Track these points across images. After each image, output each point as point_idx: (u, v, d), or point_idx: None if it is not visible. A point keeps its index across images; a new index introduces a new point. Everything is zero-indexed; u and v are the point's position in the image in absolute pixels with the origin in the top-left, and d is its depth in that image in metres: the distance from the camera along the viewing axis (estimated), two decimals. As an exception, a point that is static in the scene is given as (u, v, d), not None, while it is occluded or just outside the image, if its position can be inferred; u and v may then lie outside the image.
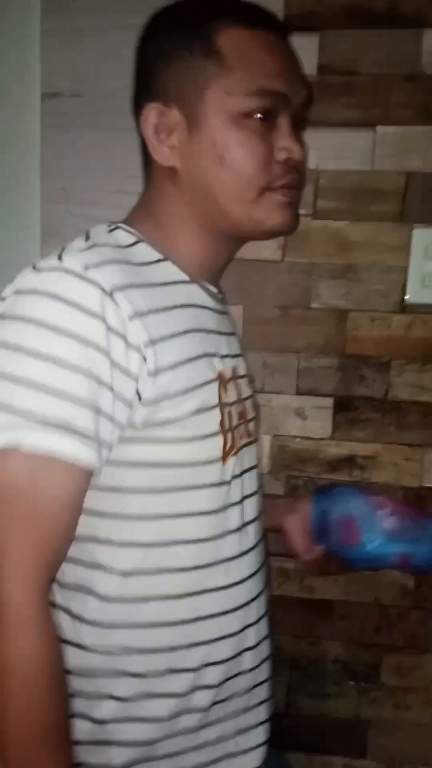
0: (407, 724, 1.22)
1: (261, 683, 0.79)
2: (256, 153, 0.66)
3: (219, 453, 0.68)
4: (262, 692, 0.80)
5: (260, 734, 0.79)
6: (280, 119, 0.67)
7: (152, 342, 0.61)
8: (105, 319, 0.58)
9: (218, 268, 0.77)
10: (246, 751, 0.76)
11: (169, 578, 0.67)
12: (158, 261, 0.69)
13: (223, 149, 0.66)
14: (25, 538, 0.58)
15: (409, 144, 1.08)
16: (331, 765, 1.23)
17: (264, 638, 0.79)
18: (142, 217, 0.73)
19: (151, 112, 0.68)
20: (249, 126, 0.65)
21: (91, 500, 0.63)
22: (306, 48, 1.10)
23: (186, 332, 0.66)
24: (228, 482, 0.70)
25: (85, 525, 0.64)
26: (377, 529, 0.80)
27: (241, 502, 0.72)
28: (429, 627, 1.18)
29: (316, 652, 1.20)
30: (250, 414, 0.78)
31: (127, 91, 1.24)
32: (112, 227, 0.70)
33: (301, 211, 1.14)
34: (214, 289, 0.76)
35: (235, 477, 0.71)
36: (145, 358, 0.61)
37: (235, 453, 0.71)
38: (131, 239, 0.69)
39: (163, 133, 0.68)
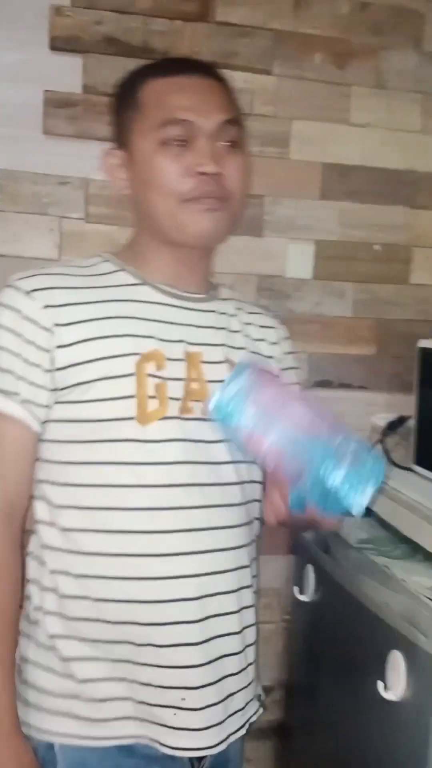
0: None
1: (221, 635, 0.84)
2: (171, 170, 0.82)
3: (132, 413, 0.81)
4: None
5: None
6: (196, 142, 0.82)
7: (61, 325, 0.81)
8: (20, 311, 0.80)
9: (186, 274, 0.90)
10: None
11: (97, 515, 0.81)
12: (113, 272, 0.88)
13: (147, 173, 0.84)
14: None
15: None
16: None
17: (207, 595, 0.83)
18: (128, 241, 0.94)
19: (106, 154, 0.90)
20: (167, 152, 0.82)
21: (41, 450, 0.84)
22: (71, 69, 1.23)
23: (108, 318, 0.83)
24: (155, 441, 0.81)
25: (37, 468, 0.84)
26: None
27: (182, 463, 0.82)
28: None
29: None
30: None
31: None
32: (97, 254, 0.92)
33: (74, 215, 1.27)
34: (175, 290, 0.89)
35: (168, 440, 0.82)
36: (54, 336, 0.80)
37: (163, 418, 0.82)
38: (97, 260, 0.90)
39: (118, 169, 0.88)
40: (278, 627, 1.42)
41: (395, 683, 0.94)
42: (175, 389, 0.84)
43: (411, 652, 0.93)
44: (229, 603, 0.85)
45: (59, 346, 0.81)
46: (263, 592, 1.41)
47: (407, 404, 1.37)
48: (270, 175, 1.30)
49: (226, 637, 0.85)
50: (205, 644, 0.82)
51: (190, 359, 0.86)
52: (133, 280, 0.88)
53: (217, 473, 0.86)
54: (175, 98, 0.83)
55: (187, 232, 0.84)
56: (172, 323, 0.87)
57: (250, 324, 0.97)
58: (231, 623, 0.86)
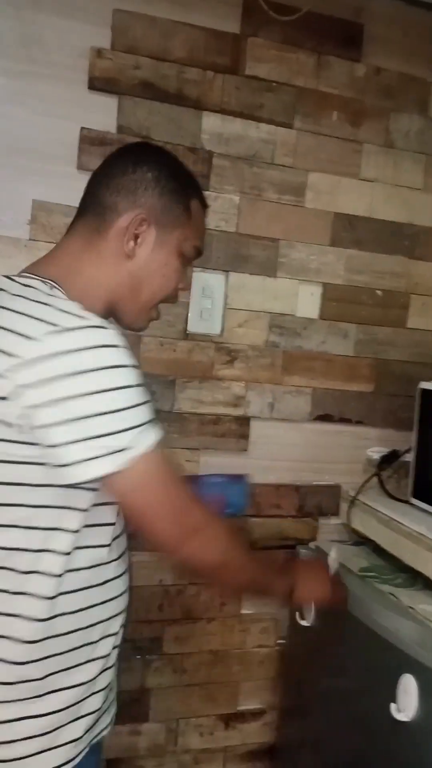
0: (182, 686, 1.44)
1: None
2: (176, 281, 0.96)
3: None
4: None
5: None
6: (188, 267, 0.99)
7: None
8: (127, 347, 0.81)
9: None
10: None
11: (87, 555, 0.89)
12: (109, 322, 0.86)
13: (165, 268, 0.93)
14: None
15: (192, 202, 1.32)
16: (118, 734, 1.40)
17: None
18: (67, 271, 0.89)
19: (136, 217, 0.90)
20: (182, 261, 0.95)
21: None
22: (107, 109, 1.28)
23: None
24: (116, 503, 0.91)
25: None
26: None
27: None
28: (200, 599, 1.43)
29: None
30: None
31: None
32: (49, 284, 0.85)
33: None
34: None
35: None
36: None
37: None
38: (74, 305, 0.82)
39: (135, 234, 0.91)
40: (272, 651, 1.47)
41: (407, 705, 1.01)
42: None
43: (423, 676, 1.00)
44: None
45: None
46: (260, 617, 1.47)
47: (399, 439, 1.47)
48: (286, 221, 1.38)
49: None
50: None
51: None
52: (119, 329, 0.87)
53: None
54: (203, 228, 0.99)
55: (132, 324, 0.96)
56: None
57: None
58: None
